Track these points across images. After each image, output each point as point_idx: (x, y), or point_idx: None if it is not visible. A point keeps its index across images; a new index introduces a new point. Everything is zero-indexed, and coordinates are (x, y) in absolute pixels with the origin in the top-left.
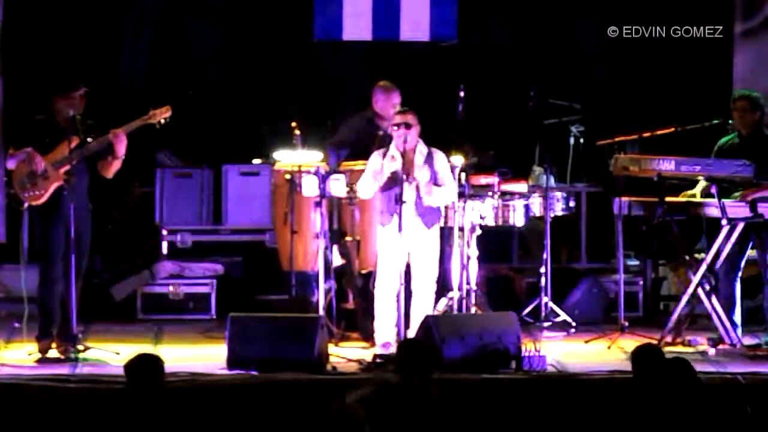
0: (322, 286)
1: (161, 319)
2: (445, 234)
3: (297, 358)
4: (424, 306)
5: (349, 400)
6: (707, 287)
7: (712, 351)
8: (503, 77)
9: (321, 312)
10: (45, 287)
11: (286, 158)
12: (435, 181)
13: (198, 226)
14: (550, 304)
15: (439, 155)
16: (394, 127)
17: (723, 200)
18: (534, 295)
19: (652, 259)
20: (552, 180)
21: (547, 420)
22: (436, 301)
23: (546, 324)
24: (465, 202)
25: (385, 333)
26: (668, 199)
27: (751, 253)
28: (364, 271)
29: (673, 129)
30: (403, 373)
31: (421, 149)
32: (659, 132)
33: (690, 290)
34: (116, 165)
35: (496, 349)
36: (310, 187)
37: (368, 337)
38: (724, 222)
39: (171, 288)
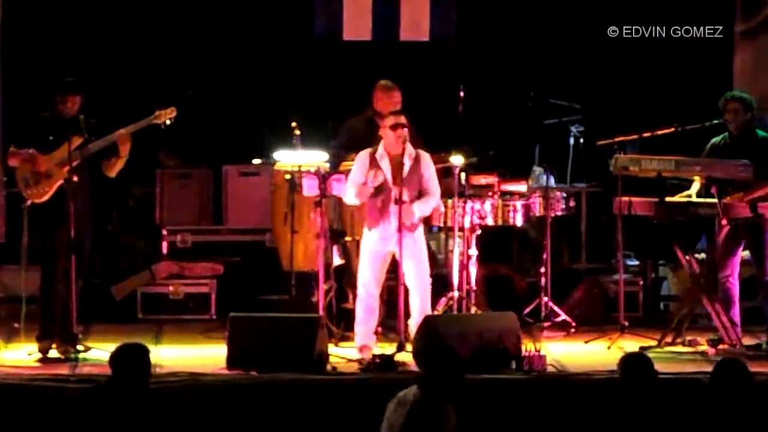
0: (322, 286)
1: (161, 319)
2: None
3: (297, 358)
4: (422, 306)
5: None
6: (707, 287)
7: (712, 351)
8: (503, 77)
9: (321, 312)
10: (46, 287)
11: (286, 158)
12: (420, 186)
13: (198, 226)
14: (550, 304)
15: (425, 158)
16: (391, 129)
17: (723, 200)
18: (534, 295)
19: (652, 259)
20: (552, 180)
21: (547, 420)
22: (437, 301)
23: (546, 324)
24: (465, 202)
25: (364, 337)
26: (668, 199)
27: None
28: None
29: (673, 129)
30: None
31: (410, 152)
32: (659, 132)
33: (690, 290)
34: (120, 165)
35: (496, 349)
36: (310, 187)
37: None
38: (724, 222)
39: (171, 288)
